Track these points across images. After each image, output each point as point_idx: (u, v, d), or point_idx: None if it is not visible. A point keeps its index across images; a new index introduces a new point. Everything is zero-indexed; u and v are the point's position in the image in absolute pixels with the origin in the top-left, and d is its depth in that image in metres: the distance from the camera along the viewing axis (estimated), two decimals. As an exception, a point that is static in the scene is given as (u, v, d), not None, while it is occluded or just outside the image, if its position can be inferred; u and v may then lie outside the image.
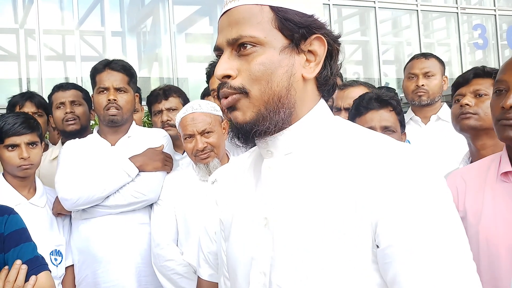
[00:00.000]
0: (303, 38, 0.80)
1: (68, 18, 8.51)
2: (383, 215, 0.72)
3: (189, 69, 8.99)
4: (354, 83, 2.13)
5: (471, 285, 0.72)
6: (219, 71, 0.80)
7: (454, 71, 11.02)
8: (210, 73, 2.26)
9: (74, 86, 2.36)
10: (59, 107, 2.29)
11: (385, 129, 1.61)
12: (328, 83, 0.84)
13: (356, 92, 2.01)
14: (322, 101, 0.86)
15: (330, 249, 0.74)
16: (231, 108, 0.81)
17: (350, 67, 10.51)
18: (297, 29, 0.79)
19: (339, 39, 0.84)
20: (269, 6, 0.78)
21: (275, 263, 0.80)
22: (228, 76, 0.80)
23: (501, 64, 1.63)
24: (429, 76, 2.40)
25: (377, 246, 0.73)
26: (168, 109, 2.40)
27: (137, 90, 2.57)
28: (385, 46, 10.52)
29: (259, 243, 0.83)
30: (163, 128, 2.35)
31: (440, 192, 0.73)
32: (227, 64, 0.80)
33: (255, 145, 0.87)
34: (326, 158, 0.79)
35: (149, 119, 4.25)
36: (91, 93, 2.14)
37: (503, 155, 1.28)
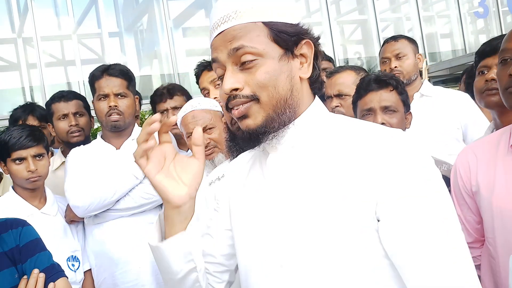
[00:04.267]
0: (295, 44, 0.89)
1: (65, 23, 8.52)
2: (382, 194, 0.80)
3: (189, 63, 8.98)
4: (340, 68, 2.12)
5: (459, 252, 0.79)
6: (227, 85, 0.87)
7: (456, 43, 10.87)
8: (198, 74, 2.29)
9: (75, 96, 2.33)
10: (62, 118, 2.27)
11: (385, 109, 1.60)
12: (318, 80, 0.93)
13: (344, 77, 2.00)
14: (317, 98, 0.95)
15: (337, 228, 0.82)
16: (242, 117, 0.88)
17: (350, 47, 10.42)
18: (290, 38, 0.88)
19: (319, 40, 0.93)
20: (262, 22, 0.86)
21: (289, 249, 0.87)
22: (236, 89, 0.87)
23: (504, 32, 1.58)
24: (400, 57, 2.42)
25: (378, 221, 0.81)
26: (174, 108, 2.40)
27: (137, 93, 2.59)
28: (384, 23, 10.41)
29: (270, 231, 0.90)
30: None
31: (429, 173, 0.81)
32: (233, 79, 0.87)
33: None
34: (326, 149, 0.87)
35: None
36: (90, 98, 2.15)
37: None
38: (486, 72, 1.59)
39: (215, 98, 2.06)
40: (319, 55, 0.93)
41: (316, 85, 0.93)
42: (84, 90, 7.72)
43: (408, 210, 0.78)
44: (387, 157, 0.80)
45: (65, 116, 2.26)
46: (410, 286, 0.79)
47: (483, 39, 10.91)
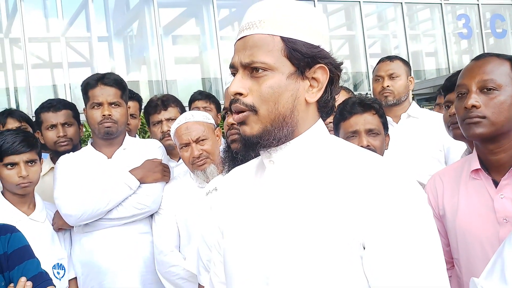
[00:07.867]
0: (308, 66, 0.90)
1: (53, 25, 8.44)
2: (369, 222, 0.81)
3: (177, 71, 8.98)
4: None
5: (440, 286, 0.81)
6: (233, 88, 0.90)
7: (440, 62, 11.13)
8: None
9: (65, 105, 2.31)
10: (50, 128, 2.25)
11: (369, 132, 1.66)
12: (327, 105, 0.95)
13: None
14: (320, 121, 0.96)
15: (323, 250, 0.83)
16: (241, 123, 0.91)
17: (338, 61, 10.55)
18: (303, 59, 0.89)
19: (341, 66, 0.94)
20: (280, 36, 0.88)
21: (273, 263, 0.88)
22: (240, 94, 0.90)
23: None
24: (393, 77, 2.48)
25: (364, 248, 0.82)
26: (168, 119, 2.41)
27: (139, 99, 2.60)
28: (372, 39, 10.59)
29: (258, 244, 0.91)
30: (163, 138, 2.37)
31: (417, 203, 0.83)
32: (240, 83, 0.90)
33: (253, 156, 0.94)
34: (321, 171, 0.89)
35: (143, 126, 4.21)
36: (76, 101, 2.13)
37: (473, 154, 1.37)
38: (450, 106, 1.68)
39: None
40: (336, 80, 0.93)
41: (325, 109, 0.94)
42: (70, 93, 7.63)
43: (392, 242, 0.80)
44: (376, 185, 0.82)
45: (54, 126, 2.25)
46: None
47: (466, 59, 11.20)
